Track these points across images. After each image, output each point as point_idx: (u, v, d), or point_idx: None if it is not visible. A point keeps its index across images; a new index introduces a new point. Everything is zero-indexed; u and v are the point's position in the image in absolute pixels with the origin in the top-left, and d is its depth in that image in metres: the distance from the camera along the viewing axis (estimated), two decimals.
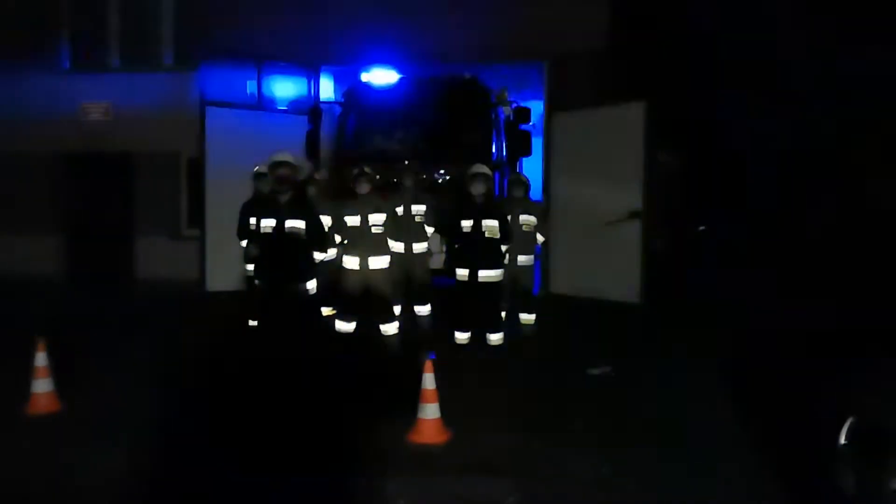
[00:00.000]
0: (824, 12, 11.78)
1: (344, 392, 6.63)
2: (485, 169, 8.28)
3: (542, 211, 9.65)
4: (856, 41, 11.29)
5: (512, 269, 8.61)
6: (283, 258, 7.04)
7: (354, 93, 11.28)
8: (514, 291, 8.88)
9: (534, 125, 11.65)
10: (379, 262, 8.08)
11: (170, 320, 10.01)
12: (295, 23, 12.26)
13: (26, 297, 11.32)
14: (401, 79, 11.48)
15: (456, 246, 8.33)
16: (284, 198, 7.07)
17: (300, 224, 6.97)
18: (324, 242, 7.33)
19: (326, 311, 8.73)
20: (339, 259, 8.15)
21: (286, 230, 6.95)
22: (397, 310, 8.74)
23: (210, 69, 11.08)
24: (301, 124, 11.45)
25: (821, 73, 11.75)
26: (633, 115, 10.23)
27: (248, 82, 11.80)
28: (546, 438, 5.60)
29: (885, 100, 10.77)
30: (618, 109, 10.45)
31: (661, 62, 10.68)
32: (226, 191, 10.45)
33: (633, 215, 10.18)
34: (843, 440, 3.97)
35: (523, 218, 8.80)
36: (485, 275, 8.03)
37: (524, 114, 11.34)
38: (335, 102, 11.80)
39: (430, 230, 8.97)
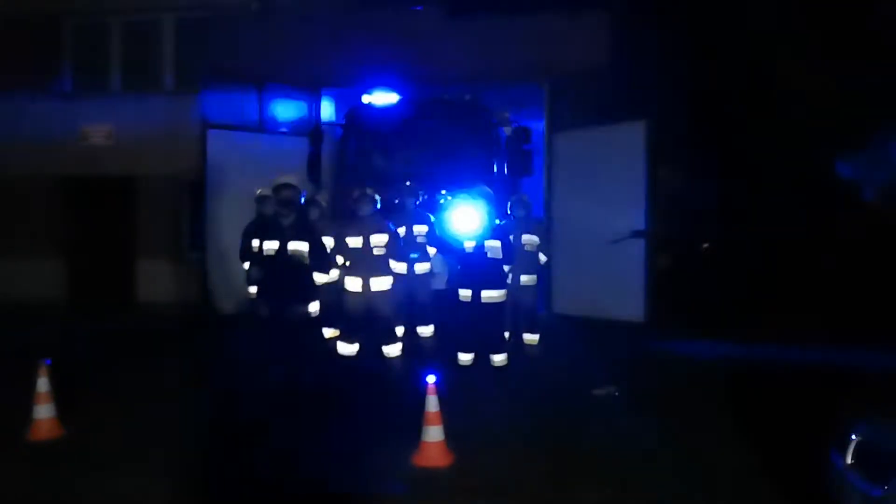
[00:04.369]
0: (823, 27, 11.83)
1: (347, 414, 6.60)
2: (486, 189, 8.30)
3: (545, 230, 9.65)
4: (854, 55, 11.34)
5: (515, 290, 8.61)
6: (285, 280, 7.05)
7: (355, 115, 11.33)
8: (518, 312, 8.87)
9: (534, 145, 11.68)
10: (381, 284, 8.08)
11: (172, 344, 9.99)
12: (296, 45, 12.32)
13: (28, 321, 11.31)
14: (401, 100, 11.52)
15: (458, 266, 8.33)
16: (287, 220, 7.09)
17: (303, 246, 6.98)
18: (326, 264, 7.34)
19: (329, 332, 8.72)
20: (341, 280, 8.15)
21: (289, 252, 6.96)
22: (400, 331, 8.73)
23: (211, 92, 11.12)
24: (302, 146, 11.49)
25: (821, 88, 11.78)
26: (633, 134, 10.25)
27: (249, 105, 11.85)
28: (550, 460, 5.57)
29: (885, 112, 10.78)
30: (618, 128, 10.47)
31: (661, 80, 10.71)
32: (227, 213, 10.48)
33: (636, 234, 10.17)
34: (848, 459, 3.95)
35: (526, 238, 8.82)
36: (488, 295, 8.03)
37: (525, 134, 11.37)
38: (336, 124, 11.84)
39: (432, 251, 8.97)
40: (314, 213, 8.86)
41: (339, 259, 8.10)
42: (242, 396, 7.02)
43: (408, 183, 9.36)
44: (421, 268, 8.92)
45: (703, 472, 5.29)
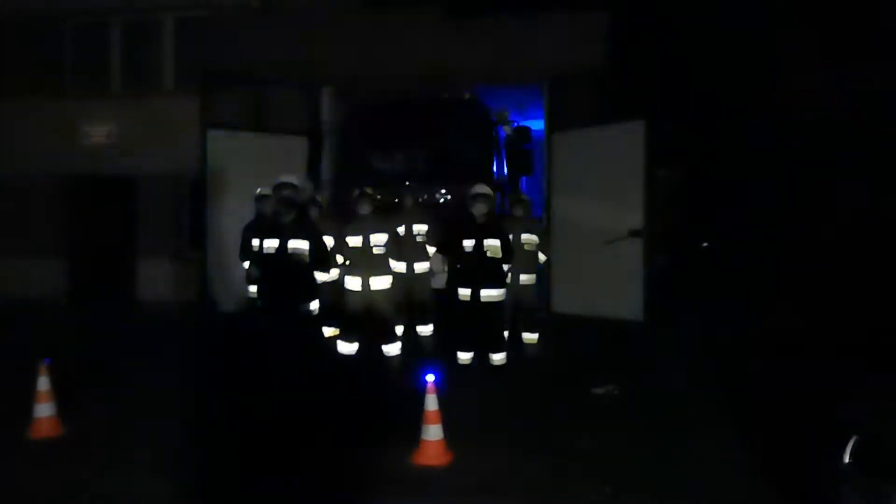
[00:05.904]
0: (823, 26, 11.84)
1: (346, 413, 6.61)
2: (486, 189, 8.31)
3: (544, 230, 9.66)
4: (854, 55, 11.34)
5: (514, 289, 8.62)
6: (285, 279, 7.05)
7: (355, 114, 11.33)
8: (517, 311, 8.88)
9: (534, 144, 11.70)
10: (381, 283, 8.10)
11: (172, 342, 10.00)
12: (296, 45, 12.32)
13: (28, 320, 11.32)
14: (401, 100, 11.52)
15: (458, 266, 8.34)
16: (287, 219, 7.11)
17: (303, 245, 7.00)
18: (326, 263, 7.35)
19: (329, 332, 8.73)
20: (341, 280, 8.16)
21: (289, 251, 6.98)
22: (399, 330, 8.74)
23: (211, 92, 11.12)
24: (302, 146, 11.50)
25: (820, 87, 11.79)
26: (633, 133, 10.25)
27: (249, 105, 11.85)
28: (549, 459, 5.58)
29: (884, 111, 10.80)
30: (618, 127, 10.47)
31: (660, 80, 10.73)
32: (227, 212, 10.49)
33: (634, 233, 10.18)
34: (846, 459, 3.95)
35: (525, 237, 8.82)
36: (487, 295, 8.03)
37: (524, 133, 11.38)
38: (336, 124, 11.84)
39: (431, 250, 8.98)
40: (314, 213, 8.87)
41: (339, 258, 8.11)
42: (242, 395, 7.03)
43: (407, 182, 9.37)
44: (420, 267, 8.93)
45: (702, 471, 5.30)
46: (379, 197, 8.58)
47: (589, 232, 10.59)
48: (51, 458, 5.62)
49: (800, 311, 9.98)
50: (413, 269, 8.87)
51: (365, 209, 8.19)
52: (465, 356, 8.21)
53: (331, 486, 5.14)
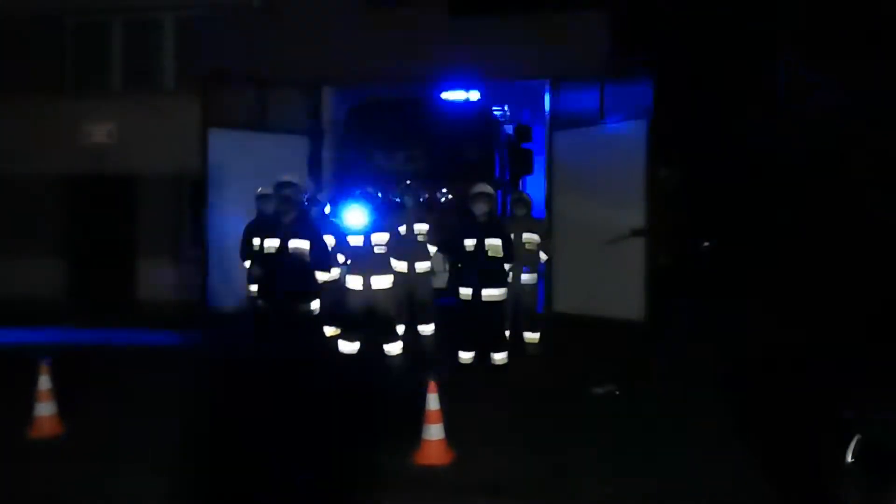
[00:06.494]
0: (823, 27, 11.83)
1: (347, 412, 6.60)
2: (487, 188, 8.31)
3: (545, 229, 9.65)
4: (853, 56, 11.34)
5: (515, 288, 8.61)
6: (286, 278, 7.05)
7: (356, 113, 11.33)
8: (518, 310, 8.88)
9: (535, 143, 11.69)
10: (382, 282, 8.09)
11: (172, 342, 9.99)
12: (297, 44, 12.32)
13: (29, 319, 11.31)
14: (403, 99, 11.52)
15: (459, 265, 8.33)
16: (288, 218, 7.10)
17: (303, 244, 6.99)
18: (327, 263, 7.35)
19: (330, 331, 8.73)
20: (342, 279, 8.15)
21: (290, 250, 6.97)
22: (400, 329, 8.74)
23: (211, 91, 11.11)
24: (303, 145, 11.49)
25: (819, 88, 11.79)
26: (635, 133, 10.24)
27: (249, 104, 11.83)
28: (550, 458, 5.57)
29: (883, 113, 10.80)
30: (620, 127, 10.47)
31: (661, 80, 10.70)
32: (228, 212, 10.48)
33: (636, 233, 10.16)
34: (849, 458, 3.95)
35: (526, 236, 8.81)
36: (488, 294, 8.03)
37: (526, 132, 11.37)
38: (337, 123, 11.83)
39: (432, 249, 8.97)
40: (315, 212, 8.86)
41: (340, 257, 8.11)
42: (242, 395, 7.02)
43: (408, 181, 9.37)
44: (421, 266, 8.92)
45: (702, 471, 5.29)
46: (379, 196, 8.57)
47: (590, 231, 10.58)
48: (51, 457, 5.62)
49: (801, 310, 9.97)
50: (414, 269, 8.87)
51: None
52: (466, 355, 8.21)
53: (332, 485, 5.14)
